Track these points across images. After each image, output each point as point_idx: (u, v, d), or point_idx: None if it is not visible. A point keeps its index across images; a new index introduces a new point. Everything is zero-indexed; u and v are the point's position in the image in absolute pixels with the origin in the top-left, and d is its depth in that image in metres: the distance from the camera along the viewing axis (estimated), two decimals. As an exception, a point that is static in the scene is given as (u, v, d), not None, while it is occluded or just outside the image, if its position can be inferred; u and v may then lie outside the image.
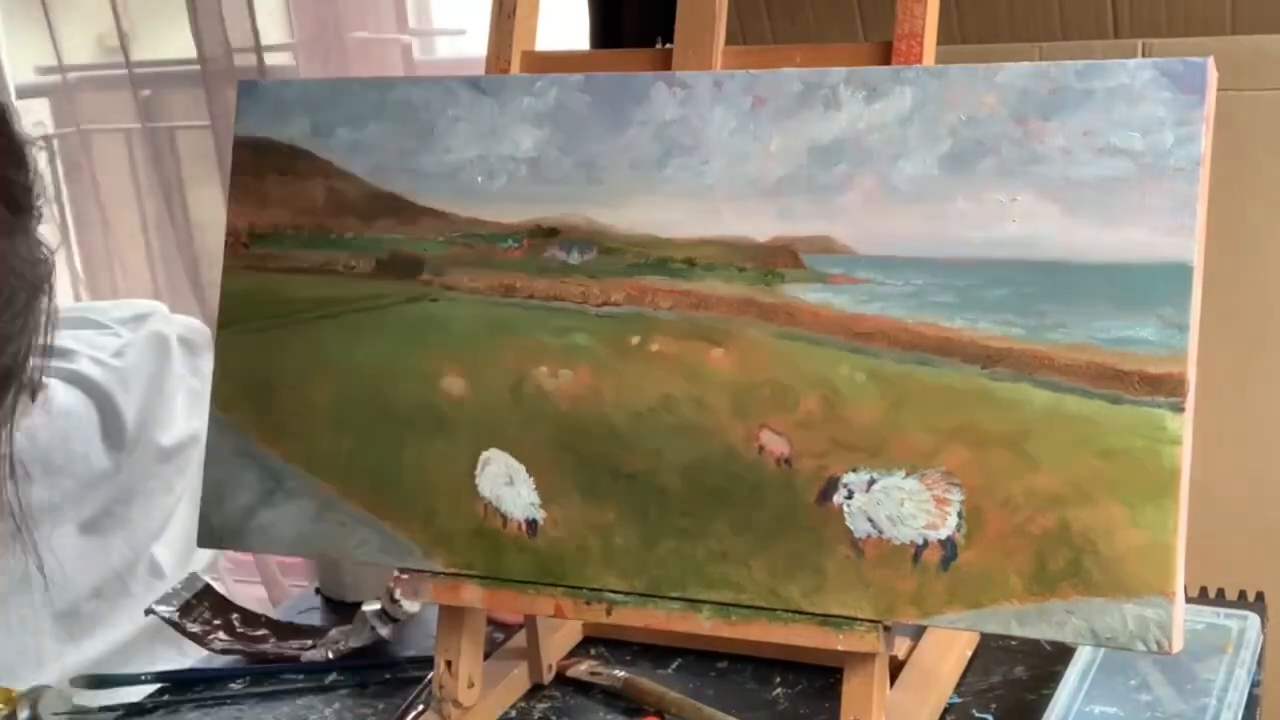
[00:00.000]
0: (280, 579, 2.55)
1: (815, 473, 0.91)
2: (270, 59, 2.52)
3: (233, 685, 1.19)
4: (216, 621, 1.27)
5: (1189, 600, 0.90)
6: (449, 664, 1.05)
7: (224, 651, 1.23)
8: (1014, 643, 1.14)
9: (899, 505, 0.89)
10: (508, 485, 0.99)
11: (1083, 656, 1.07)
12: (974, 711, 1.06)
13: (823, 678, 1.10)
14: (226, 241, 1.07)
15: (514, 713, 1.11)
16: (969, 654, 1.13)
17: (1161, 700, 1.02)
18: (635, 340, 0.95)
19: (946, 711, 1.06)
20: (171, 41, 2.53)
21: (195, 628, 1.25)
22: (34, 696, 1.14)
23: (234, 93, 1.21)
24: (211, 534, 1.06)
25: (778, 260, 0.92)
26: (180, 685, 1.19)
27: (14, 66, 2.77)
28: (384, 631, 1.20)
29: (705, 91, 0.95)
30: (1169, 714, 1.01)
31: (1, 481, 0.54)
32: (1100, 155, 0.85)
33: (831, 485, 0.91)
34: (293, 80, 2.13)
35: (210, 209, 2.54)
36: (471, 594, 1.00)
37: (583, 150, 0.97)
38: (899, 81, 0.90)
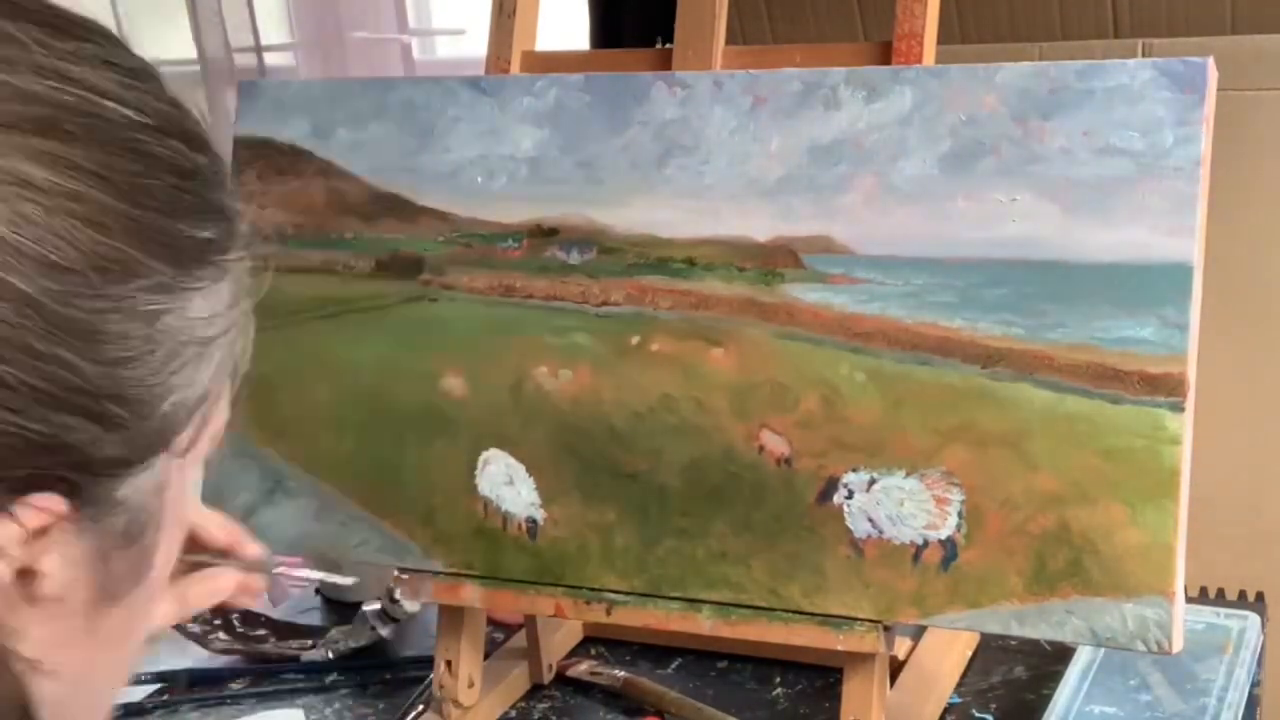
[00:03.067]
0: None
1: (815, 473, 0.91)
2: (270, 59, 2.51)
3: (233, 685, 1.19)
4: (216, 621, 1.26)
5: (1189, 600, 0.90)
6: (449, 664, 1.05)
7: (224, 651, 1.23)
8: (1014, 643, 1.14)
9: (899, 505, 0.89)
10: (508, 485, 0.99)
11: (1083, 656, 1.07)
12: (974, 711, 1.06)
13: (823, 678, 1.10)
14: (226, 241, 1.07)
15: (514, 713, 1.11)
16: (969, 654, 1.13)
17: (1161, 700, 1.02)
18: (635, 340, 0.95)
19: (946, 711, 1.06)
20: (171, 41, 2.53)
21: (195, 628, 1.25)
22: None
23: (234, 93, 1.21)
24: (211, 534, 1.06)
25: (777, 260, 0.92)
26: (180, 685, 1.19)
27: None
28: (384, 631, 1.20)
29: (705, 91, 0.95)
30: (1169, 714, 1.01)
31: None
32: (1100, 155, 0.85)
33: (831, 485, 0.91)
34: (293, 80, 2.13)
35: (210, 209, 2.53)
36: (471, 594, 1.00)
37: (583, 150, 0.97)
38: (899, 81, 0.90)
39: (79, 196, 0.43)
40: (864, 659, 0.92)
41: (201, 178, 0.49)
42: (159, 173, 0.46)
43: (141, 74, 0.48)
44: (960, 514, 0.87)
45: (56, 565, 0.46)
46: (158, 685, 1.19)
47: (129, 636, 0.52)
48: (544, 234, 0.98)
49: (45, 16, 0.46)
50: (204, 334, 0.48)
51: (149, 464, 0.48)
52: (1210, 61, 0.84)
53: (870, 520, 0.90)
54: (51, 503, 0.44)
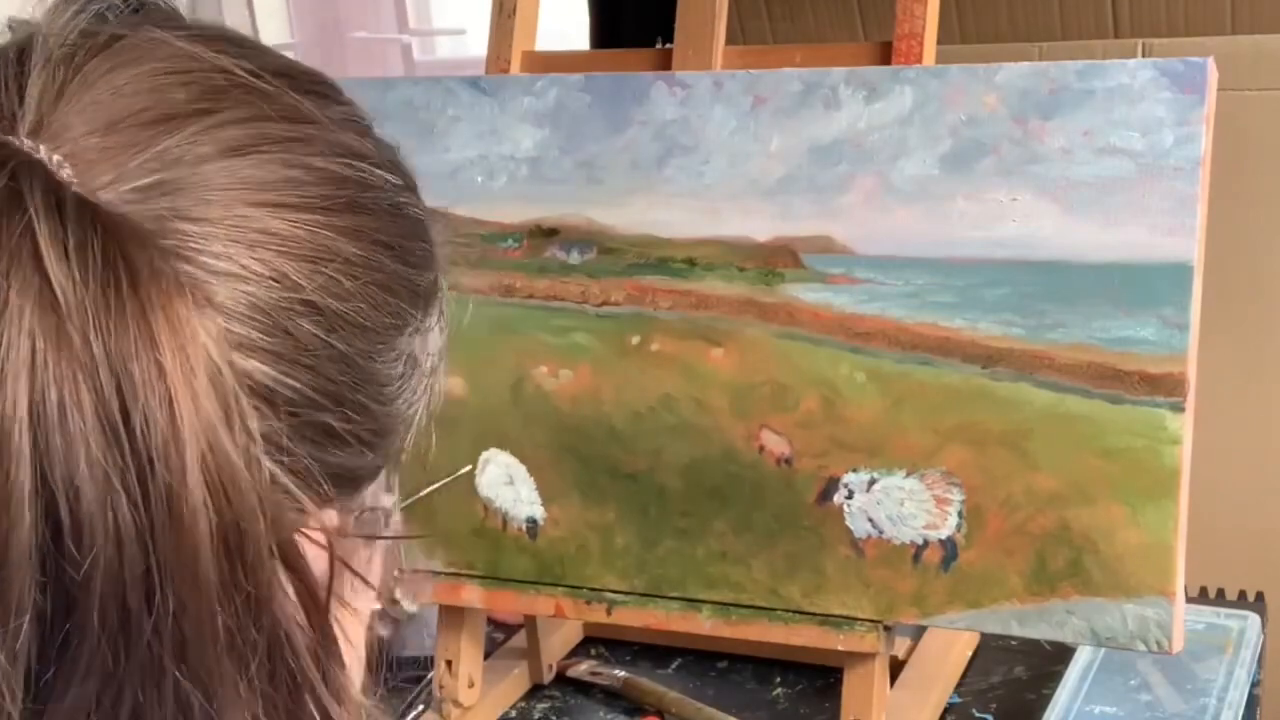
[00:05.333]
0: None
1: (815, 473, 0.91)
2: (270, 59, 2.51)
3: (233, 685, 1.19)
4: (216, 621, 1.26)
5: (1189, 600, 0.90)
6: (449, 664, 1.05)
7: (224, 651, 1.23)
8: (1014, 643, 1.14)
9: (899, 505, 0.89)
10: (508, 485, 0.99)
11: (1083, 656, 1.07)
12: (974, 711, 1.06)
13: (823, 678, 1.10)
14: (226, 241, 1.07)
15: (514, 713, 1.11)
16: (969, 654, 1.13)
17: (1161, 700, 1.02)
18: (635, 340, 0.95)
19: (946, 711, 1.06)
20: (171, 42, 2.53)
21: (195, 628, 1.25)
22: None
23: (234, 93, 1.21)
24: (211, 534, 1.06)
25: (778, 260, 0.92)
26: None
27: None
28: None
29: (705, 91, 0.95)
30: (1169, 714, 1.01)
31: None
32: (1100, 155, 0.85)
33: (831, 485, 0.91)
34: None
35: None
36: (471, 594, 1.00)
37: (583, 150, 0.97)
38: (899, 81, 0.90)
39: (378, 266, 0.49)
40: (864, 659, 0.92)
41: (425, 225, 0.55)
42: (412, 229, 0.53)
43: (371, 128, 0.55)
44: (960, 514, 0.87)
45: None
46: (158, 685, 1.19)
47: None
48: (544, 234, 0.98)
49: (307, 83, 0.52)
50: (434, 364, 0.54)
51: (381, 474, 0.54)
52: (1210, 61, 0.84)
53: (870, 520, 0.90)
54: (329, 518, 0.49)
